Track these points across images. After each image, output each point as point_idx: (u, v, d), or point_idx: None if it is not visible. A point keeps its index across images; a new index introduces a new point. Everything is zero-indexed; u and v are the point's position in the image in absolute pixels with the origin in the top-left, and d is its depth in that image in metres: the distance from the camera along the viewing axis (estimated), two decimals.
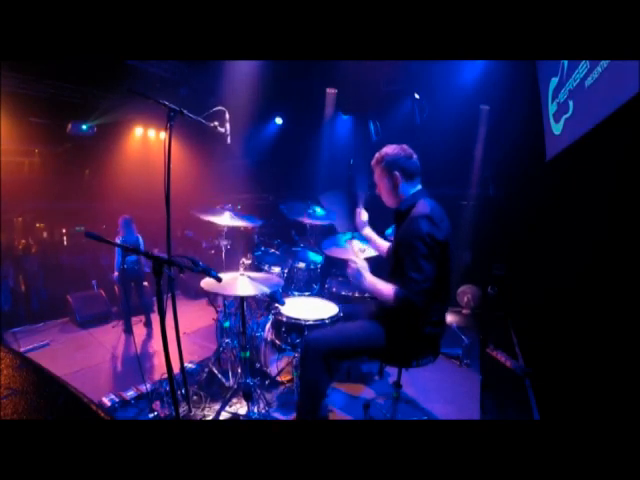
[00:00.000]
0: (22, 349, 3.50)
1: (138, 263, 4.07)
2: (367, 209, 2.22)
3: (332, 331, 2.07)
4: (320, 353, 1.74)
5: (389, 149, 1.79)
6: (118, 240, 3.80)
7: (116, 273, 4.02)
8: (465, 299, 4.60)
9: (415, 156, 1.78)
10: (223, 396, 2.51)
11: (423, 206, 1.69)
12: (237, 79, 4.90)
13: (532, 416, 2.40)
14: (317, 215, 3.03)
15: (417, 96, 4.75)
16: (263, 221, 2.74)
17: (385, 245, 2.18)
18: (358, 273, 1.77)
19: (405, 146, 1.79)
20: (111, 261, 4.56)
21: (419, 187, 1.80)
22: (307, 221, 2.85)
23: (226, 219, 2.70)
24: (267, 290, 2.22)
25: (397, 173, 1.76)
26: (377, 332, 1.78)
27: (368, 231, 2.22)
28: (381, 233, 2.46)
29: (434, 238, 1.59)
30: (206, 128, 2.09)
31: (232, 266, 2.89)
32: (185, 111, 1.92)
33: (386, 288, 1.69)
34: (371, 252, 2.36)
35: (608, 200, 2.16)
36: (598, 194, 2.33)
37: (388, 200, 1.86)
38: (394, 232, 2.00)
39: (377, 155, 1.82)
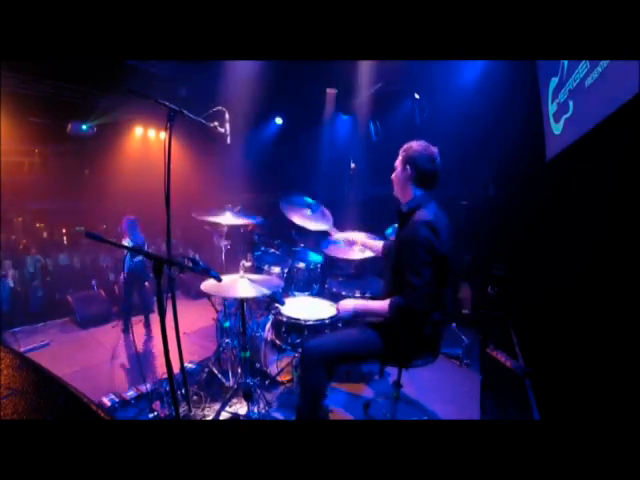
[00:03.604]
0: (22, 349, 3.50)
1: (142, 263, 4.05)
2: (367, 209, 2.23)
3: (331, 337, 2.08)
4: (319, 359, 1.76)
5: (416, 143, 1.77)
6: (125, 242, 3.79)
7: (125, 274, 4.02)
8: (458, 296, 4.62)
9: (438, 162, 1.75)
10: (223, 396, 2.51)
11: (426, 212, 1.68)
12: (237, 79, 4.89)
13: (532, 416, 2.40)
14: (314, 217, 2.99)
15: (417, 96, 4.75)
16: (263, 220, 2.72)
17: (377, 244, 2.20)
18: (346, 310, 1.84)
19: (433, 148, 1.76)
20: (111, 261, 4.57)
21: (428, 193, 1.78)
22: (305, 224, 2.83)
23: (227, 218, 2.57)
24: (267, 292, 2.22)
25: (409, 168, 1.75)
26: (376, 337, 1.78)
27: (355, 236, 2.30)
28: (381, 233, 2.46)
29: (433, 246, 1.59)
30: (206, 128, 2.09)
31: (232, 266, 2.88)
32: (185, 111, 1.92)
33: (379, 304, 1.73)
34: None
35: (608, 200, 2.16)
36: (598, 194, 2.33)
37: (396, 189, 1.86)
38: (394, 232, 2.00)
39: (406, 144, 1.82)
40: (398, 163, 1.82)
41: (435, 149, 1.76)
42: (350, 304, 1.85)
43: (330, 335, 2.24)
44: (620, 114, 1.84)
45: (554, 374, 2.57)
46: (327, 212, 2.59)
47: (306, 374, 1.83)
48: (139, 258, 3.98)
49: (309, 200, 2.61)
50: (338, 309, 1.91)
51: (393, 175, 1.86)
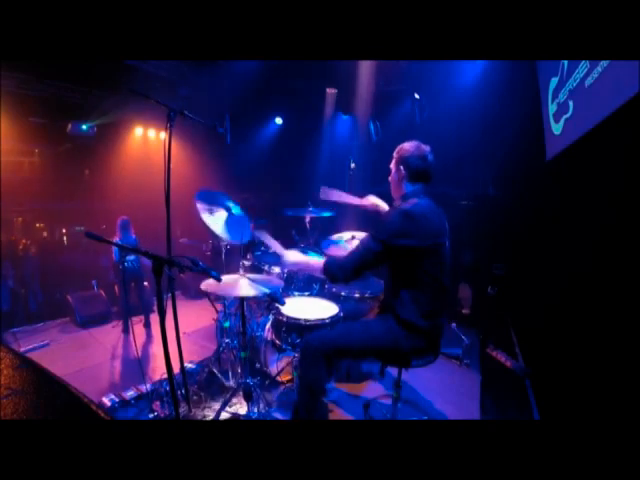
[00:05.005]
0: (22, 349, 3.50)
1: (137, 262, 4.09)
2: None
3: (333, 330, 2.08)
4: (319, 351, 1.75)
5: (408, 144, 1.79)
6: (115, 241, 3.82)
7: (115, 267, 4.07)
8: (458, 295, 4.64)
9: (430, 159, 1.76)
10: (223, 396, 2.51)
11: (408, 202, 1.71)
12: (237, 79, 4.90)
13: (532, 416, 2.40)
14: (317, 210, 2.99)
15: (417, 96, 4.75)
16: (262, 221, 2.73)
17: None
18: (287, 262, 1.95)
19: (424, 147, 1.77)
20: (110, 262, 4.58)
21: (420, 187, 1.79)
22: (309, 216, 2.84)
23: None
24: (267, 291, 2.22)
25: (402, 168, 1.77)
26: (378, 330, 1.78)
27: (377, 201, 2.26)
28: None
29: (393, 235, 1.62)
30: (206, 128, 2.10)
31: (232, 266, 2.88)
32: (185, 111, 1.92)
33: (316, 262, 1.83)
34: None
35: (608, 200, 2.16)
36: (598, 194, 2.33)
37: (392, 190, 1.89)
38: None
39: (399, 146, 1.84)
40: (393, 165, 1.85)
41: (427, 147, 1.78)
42: (292, 258, 1.94)
43: (332, 328, 2.24)
44: (620, 114, 1.84)
45: (554, 374, 2.57)
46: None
47: (305, 367, 1.82)
48: (132, 257, 4.01)
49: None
50: (282, 259, 1.98)
51: (390, 177, 1.89)
